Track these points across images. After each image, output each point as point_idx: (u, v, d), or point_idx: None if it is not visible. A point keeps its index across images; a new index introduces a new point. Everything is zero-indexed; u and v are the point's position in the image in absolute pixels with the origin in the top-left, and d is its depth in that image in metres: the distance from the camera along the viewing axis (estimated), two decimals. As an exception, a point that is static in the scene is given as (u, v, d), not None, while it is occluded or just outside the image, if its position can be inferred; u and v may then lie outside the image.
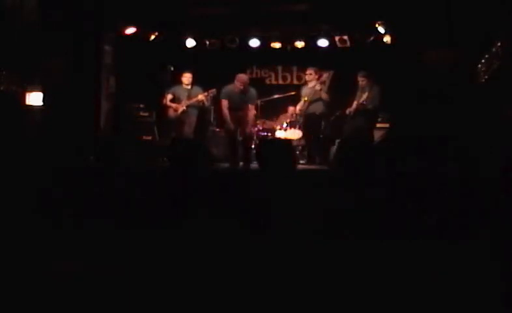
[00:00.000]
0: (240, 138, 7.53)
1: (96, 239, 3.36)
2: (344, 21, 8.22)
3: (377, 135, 7.55)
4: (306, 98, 7.77)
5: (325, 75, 8.12)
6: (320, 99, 7.69)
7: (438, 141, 4.76)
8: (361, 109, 7.50)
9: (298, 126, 8.17)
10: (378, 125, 7.80)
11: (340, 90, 8.07)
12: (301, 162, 7.77)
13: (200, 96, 7.77)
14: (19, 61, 6.37)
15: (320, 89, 7.63)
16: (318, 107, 7.75)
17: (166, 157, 6.20)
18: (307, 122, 7.85)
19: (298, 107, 7.99)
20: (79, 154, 6.02)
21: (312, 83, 7.74)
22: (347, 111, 7.71)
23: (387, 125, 7.85)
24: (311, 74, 7.83)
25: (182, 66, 8.17)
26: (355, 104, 7.56)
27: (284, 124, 8.31)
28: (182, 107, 7.82)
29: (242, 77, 7.33)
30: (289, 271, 2.78)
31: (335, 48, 8.74)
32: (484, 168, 3.97)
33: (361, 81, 7.60)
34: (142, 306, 2.40)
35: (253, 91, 7.41)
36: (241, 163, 7.32)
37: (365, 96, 7.45)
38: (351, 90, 7.77)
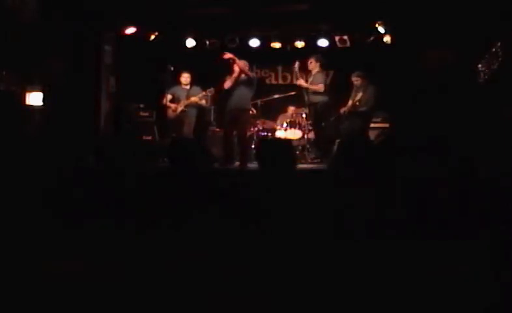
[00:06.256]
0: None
1: (96, 239, 3.36)
2: (344, 21, 8.21)
3: (372, 135, 7.52)
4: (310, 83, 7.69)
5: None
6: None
7: (438, 141, 4.77)
8: (354, 110, 7.51)
9: (297, 126, 8.16)
10: (375, 125, 7.79)
11: (340, 90, 8.06)
12: (307, 161, 7.75)
13: (193, 99, 7.79)
14: (19, 61, 6.37)
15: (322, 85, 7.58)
16: (319, 96, 7.67)
17: (166, 157, 6.19)
18: (310, 111, 7.82)
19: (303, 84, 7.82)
20: (79, 154, 6.01)
21: (316, 70, 7.70)
22: (341, 111, 7.71)
23: (383, 125, 7.85)
24: (311, 63, 7.79)
25: (181, 66, 8.16)
26: (349, 103, 7.58)
27: (284, 124, 8.30)
28: (180, 107, 7.83)
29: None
30: (289, 270, 2.78)
31: (335, 48, 8.73)
32: (483, 168, 3.97)
33: (355, 80, 7.60)
34: (142, 306, 2.40)
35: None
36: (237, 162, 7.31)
37: (359, 96, 7.44)
38: (351, 91, 7.78)
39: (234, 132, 7.32)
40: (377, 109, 7.68)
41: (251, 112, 8.07)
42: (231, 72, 7.11)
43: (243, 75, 7.04)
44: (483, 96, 5.89)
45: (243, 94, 7.07)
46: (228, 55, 7.12)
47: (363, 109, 7.47)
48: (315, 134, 7.83)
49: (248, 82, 7.10)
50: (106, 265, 2.88)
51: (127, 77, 8.23)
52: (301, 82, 7.73)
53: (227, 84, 7.10)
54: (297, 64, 7.77)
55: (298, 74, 7.78)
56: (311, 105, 7.73)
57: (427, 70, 6.70)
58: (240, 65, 7.00)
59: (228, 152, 7.20)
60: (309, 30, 8.72)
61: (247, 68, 7.21)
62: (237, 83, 7.05)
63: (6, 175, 4.54)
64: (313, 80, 7.65)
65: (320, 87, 7.53)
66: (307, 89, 7.65)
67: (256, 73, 9.70)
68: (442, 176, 3.71)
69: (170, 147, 5.46)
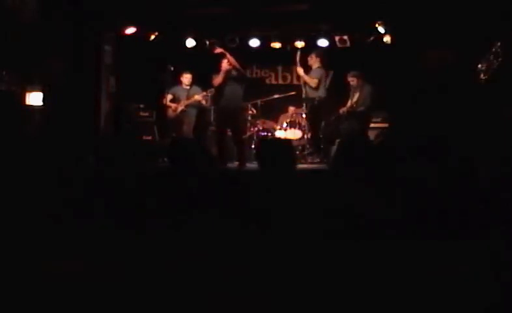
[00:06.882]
0: None
1: (96, 239, 3.36)
2: (344, 21, 8.22)
3: (372, 135, 7.54)
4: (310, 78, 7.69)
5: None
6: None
7: (438, 141, 4.77)
8: (353, 110, 7.53)
9: (297, 126, 8.17)
10: (375, 125, 7.81)
11: (340, 91, 8.07)
12: (307, 161, 7.76)
13: (197, 97, 7.79)
14: (19, 61, 6.37)
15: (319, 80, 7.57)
16: (314, 91, 7.67)
17: (166, 157, 6.19)
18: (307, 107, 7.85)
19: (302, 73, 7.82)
20: (79, 154, 6.02)
21: (316, 66, 7.72)
22: (340, 111, 7.73)
23: (383, 125, 7.87)
24: (311, 58, 7.81)
25: (181, 66, 8.17)
26: (348, 104, 7.60)
27: (284, 124, 8.31)
28: (180, 107, 7.85)
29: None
30: (289, 271, 2.78)
31: (335, 48, 8.74)
32: (483, 168, 3.97)
33: (351, 81, 7.64)
34: (142, 306, 2.40)
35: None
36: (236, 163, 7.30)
37: (356, 96, 7.46)
38: (350, 91, 7.79)
39: (229, 132, 7.24)
40: (376, 109, 7.70)
41: (250, 112, 8.05)
42: (220, 67, 7.02)
43: (233, 72, 6.97)
44: (483, 96, 5.89)
45: (235, 92, 6.95)
46: (219, 50, 7.07)
47: (360, 109, 7.50)
48: (313, 132, 7.81)
49: (239, 78, 6.98)
50: (106, 265, 2.88)
51: (127, 77, 8.24)
52: (300, 71, 7.74)
53: (217, 80, 7.01)
54: (299, 53, 7.79)
55: (299, 63, 7.79)
56: (308, 101, 7.74)
57: (427, 70, 6.70)
58: (231, 60, 6.91)
59: (222, 152, 7.10)
60: (309, 30, 8.72)
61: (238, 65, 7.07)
62: (228, 79, 6.96)
63: (6, 175, 4.54)
64: (310, 74, 7.68)
65: (314, 82, 7.52)
66: (303, 80, 7.67)
67: (256, 73, 9.72)
68: (442, 176, 3.71)
69: (170, 147, 5.46)
